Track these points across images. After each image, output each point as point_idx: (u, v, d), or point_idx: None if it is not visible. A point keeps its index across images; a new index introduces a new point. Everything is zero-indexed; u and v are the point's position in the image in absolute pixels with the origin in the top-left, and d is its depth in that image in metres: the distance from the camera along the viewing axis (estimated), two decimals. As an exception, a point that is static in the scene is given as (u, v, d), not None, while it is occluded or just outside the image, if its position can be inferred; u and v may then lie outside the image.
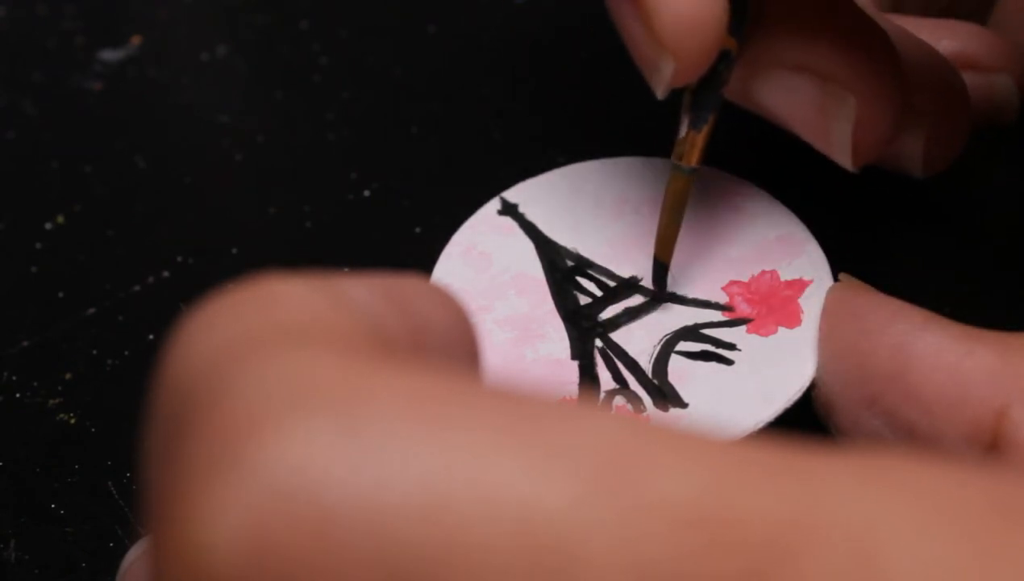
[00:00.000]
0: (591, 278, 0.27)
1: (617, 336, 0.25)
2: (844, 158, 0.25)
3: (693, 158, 0.25)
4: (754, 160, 0.26)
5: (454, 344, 0.15)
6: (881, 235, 0.29)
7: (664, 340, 0.25)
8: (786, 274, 0.26)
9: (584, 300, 0.26)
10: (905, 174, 0.27)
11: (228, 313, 0.13)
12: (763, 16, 0.24)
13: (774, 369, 0.24)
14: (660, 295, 0.26)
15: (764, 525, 0.11)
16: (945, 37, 0.29)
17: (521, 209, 0.28)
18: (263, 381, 0.12)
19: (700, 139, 0.24)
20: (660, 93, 0.23)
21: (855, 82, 0.24)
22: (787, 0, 0.23)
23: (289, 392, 0.12)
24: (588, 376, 0.25)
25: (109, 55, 0.37)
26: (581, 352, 0.25)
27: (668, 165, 0.27)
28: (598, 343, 0.25)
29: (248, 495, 0.11)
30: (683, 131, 0.25)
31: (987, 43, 0.29)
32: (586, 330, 0.26)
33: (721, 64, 0.23)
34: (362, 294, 0.14)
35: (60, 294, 0.30)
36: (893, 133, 0.25)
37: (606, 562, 0.11)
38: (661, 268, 0.26)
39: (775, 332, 0.25)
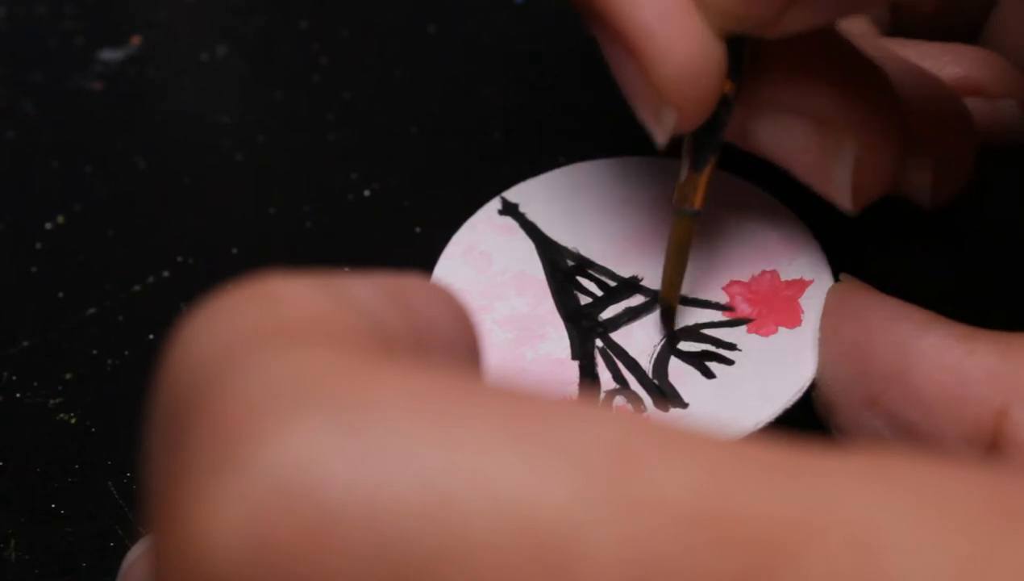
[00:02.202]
0: (591, 278, 0.26)
1: (617, 336, 0.25)
2: (844, 201, 0.24)
3: (696, 201, 0.24)
4: (754, 160, 0.25)
5: (456, 343, 0.15)
6: (881, 235, 0.29)
7: (664, 340, 0.25)
8: (786, 274, 0.26)
9: (584, 300, 0.26)
10: (914, 203, 0.27)
11: (229, 311, 0.13)
12: (759, 57, 0.24)
13: (774, 369, 0.24)
14: (669, 333, 0.25)
15: (764, 523, 0.11)
16: (949, 63, 0.28)
17: (521, 209, 0.28)
18: (264, 379, 0.12)
19: (702, 181, 0.24)
20: (661, 142, 0.23)
21: (854, 126, 0.24)
22: (783, 42, 0.23)
23: (290, 390, 0.12)
24: (588, 376, 0.25)
25: (109, 55, 0.37)
26: (581, 352, 0.25)
27: (667, 165, 0.27)
28: (598, 343, 0.25)
29: (249, 493, 0.11)
30: (684, 174, 0.24)
31: (992, 68, 0.28)
32: (586, 330, 0.26)
33: (721, 108, 0.23)
34: (364, 293, 0.14)
35: (60, 294, 0.30)
36: (894, 175, 0.24)
37: (607, 558, 0.11)
38: (668, 310, 0.25)
39: (775, 332, 0.25)
